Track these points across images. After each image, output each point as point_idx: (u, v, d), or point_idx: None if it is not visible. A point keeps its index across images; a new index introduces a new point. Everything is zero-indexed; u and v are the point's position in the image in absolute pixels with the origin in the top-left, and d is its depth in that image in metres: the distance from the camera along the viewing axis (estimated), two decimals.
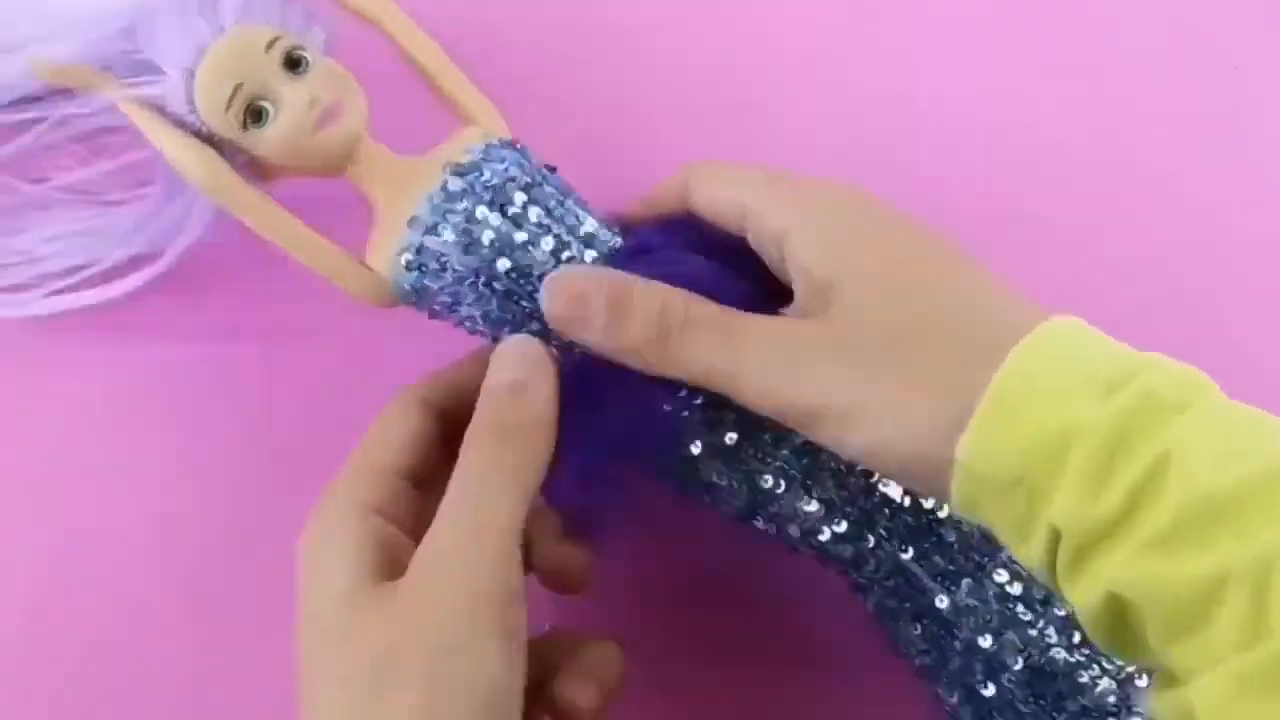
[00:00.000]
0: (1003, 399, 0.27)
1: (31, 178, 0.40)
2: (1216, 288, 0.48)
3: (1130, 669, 0.34)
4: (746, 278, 0.33)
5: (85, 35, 0.36)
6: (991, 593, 0.35)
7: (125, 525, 0.40)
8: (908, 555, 0.35)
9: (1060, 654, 0.35)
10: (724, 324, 0.32)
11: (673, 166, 0.37)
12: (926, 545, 0.35)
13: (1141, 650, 0.27)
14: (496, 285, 0.34)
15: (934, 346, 0.29)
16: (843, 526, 0.34)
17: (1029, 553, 0.28)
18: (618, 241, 0.35)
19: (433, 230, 0.34)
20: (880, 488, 0.35)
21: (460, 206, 0.34)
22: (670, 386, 0.32)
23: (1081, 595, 0.27)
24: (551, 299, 0.32)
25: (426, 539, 0.29)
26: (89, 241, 0.39)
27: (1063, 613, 0.35)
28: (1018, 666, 0.34)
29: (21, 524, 0.40)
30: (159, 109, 0.35)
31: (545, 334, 0.34)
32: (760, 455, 0.34)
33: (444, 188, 0.34)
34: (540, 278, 0.33)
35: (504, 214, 0.34)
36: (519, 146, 0.36)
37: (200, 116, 0.35)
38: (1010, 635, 0.34)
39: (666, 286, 0.32)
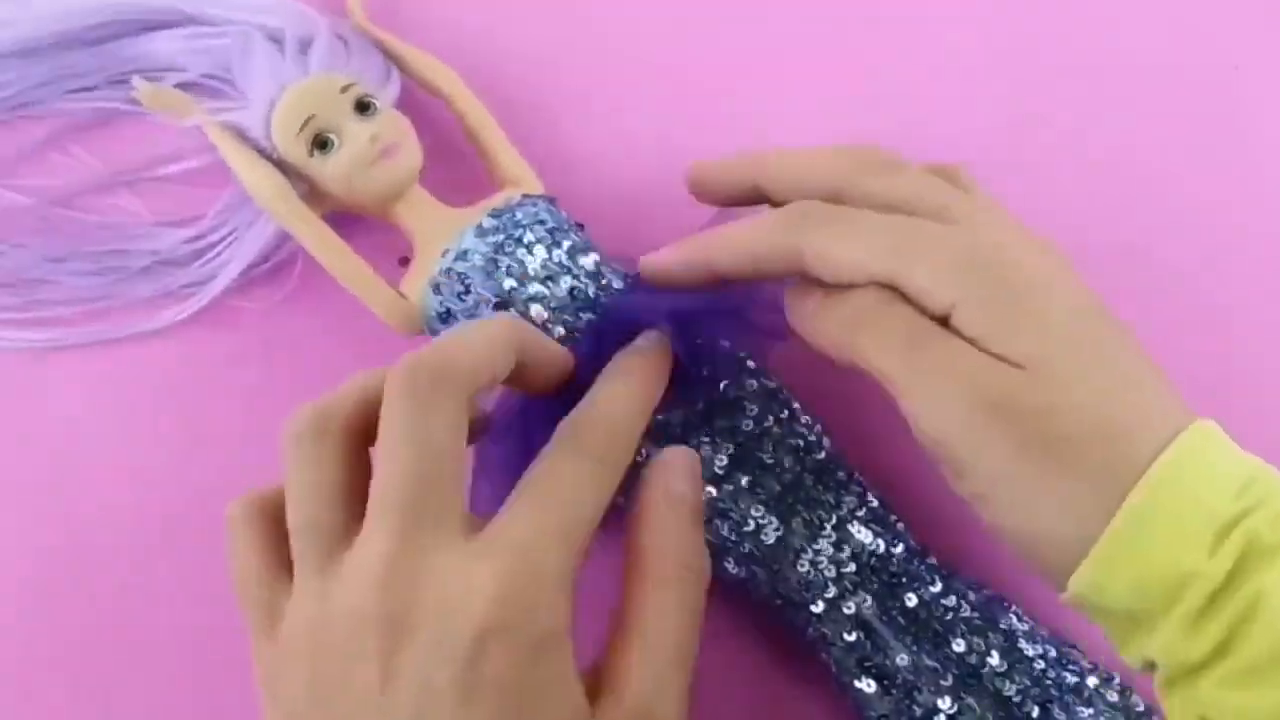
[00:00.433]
0: (1121, 541, 0.28)
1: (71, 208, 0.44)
2: (1216, 287, 0.48)
3: None
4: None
5: (196, 68, 0.42)
6: (953, 657, 0.36)
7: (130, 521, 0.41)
8: (871, 611, 0.36)
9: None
10: (915, 331, 0.31)
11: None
12: (890, 601, 0.37)
13: None
14: (514, 312, 0.37)
15: (1079, 446, 0.29)
16: (813, 574, 0.36)
17: (1127, 658, 0.30)
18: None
19: (462, 256, 0.37)
20: (853, 534, 0.37)
21: (490, 240, 0.38)
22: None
23: (1175, 714, 0.29)
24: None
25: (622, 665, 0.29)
26: (118, 275, 0.43)
27: (1020, 683, 0.36)
28: None
29: (27, 521, 0.41)
30: (239, 134, 0.40)
31: None
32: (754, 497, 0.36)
33: (479, 225, 0.38)
34: (556, 310, 0.37)
35: (529, 250, 0.37)
36: (552, 200, 0.40)
37: (274, 141, 0.39)
38: (969, 700, 0.36)
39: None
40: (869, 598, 0.37)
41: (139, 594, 0.39)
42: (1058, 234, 0.44)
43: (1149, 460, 0.28)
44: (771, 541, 0.36)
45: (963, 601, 0.37)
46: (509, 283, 0.37)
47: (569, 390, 0.34)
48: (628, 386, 0.32)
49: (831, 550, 0.37)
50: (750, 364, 0.39)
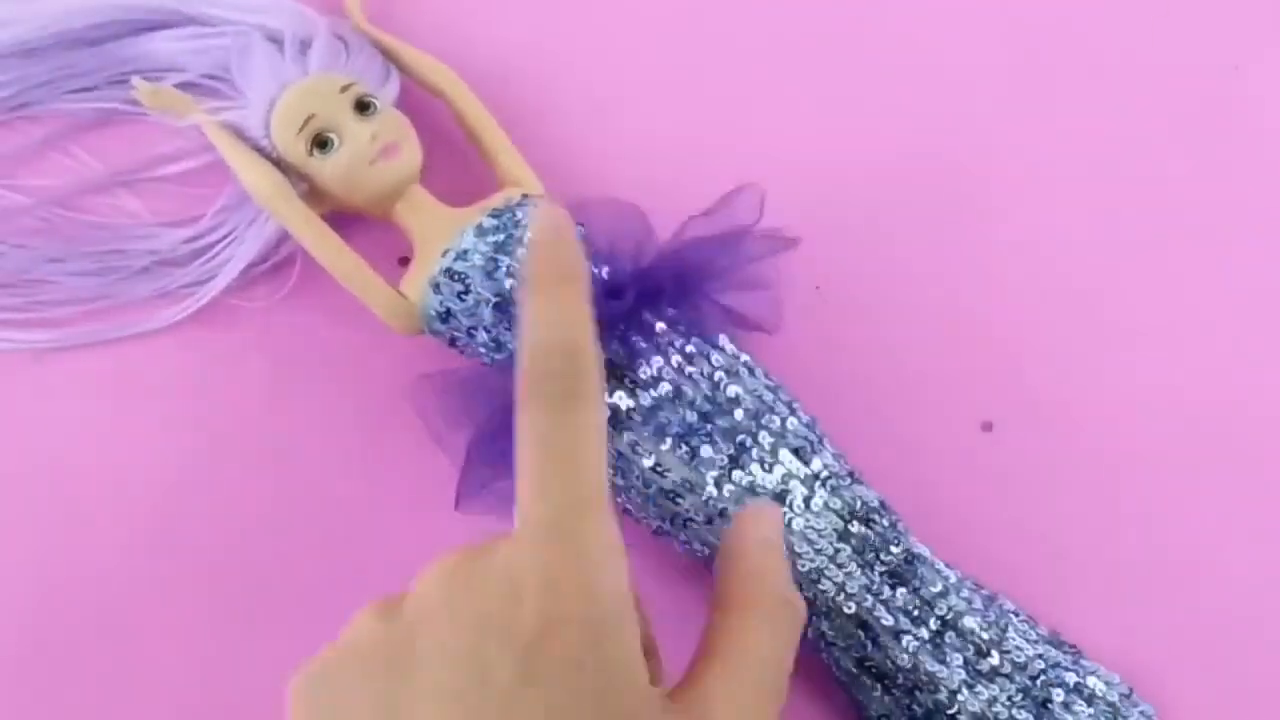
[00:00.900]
0: None
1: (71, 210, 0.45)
2: (1216, 287, 0.49)
3: None
4: None
5: (195, 68, 0.44)
6: (952, 657, 0.37)
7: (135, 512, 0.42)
8: (871, 609, 0.37)
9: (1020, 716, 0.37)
10: None
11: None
12: (890, 600, 0.37)
13: None
14: (512, 311, 0.37)
15: None
16: (812, 573, 0.37)
17: None
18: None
19: (463, 256, 0.38)
20: (852, 532, 0.37)
21: (490, 239, 0.38)
22: None
23: None
24: None
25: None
26: (118, 275, 0.44)
27: (1020, 682, 0.37)
28: None
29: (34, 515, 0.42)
30: (238, 133, 0.42)
31: None
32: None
33: (479, 225, 0.39)
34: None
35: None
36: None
37: (273, 140, 0.40)
38: (968, 697, 0.36)
39: None
40: (869, 596, 0.37)
41: (141, 590, 0.39)
42: (1058, 235, 0.46)
43: None
44: None
45: (963, 600, 0.38)
46: (509, 282, 0.38)
47: None
48: (554, 298, 0.28)
49: (829, 548, 0.37)
50: (747, 363, 0.40)
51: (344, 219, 0.43)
